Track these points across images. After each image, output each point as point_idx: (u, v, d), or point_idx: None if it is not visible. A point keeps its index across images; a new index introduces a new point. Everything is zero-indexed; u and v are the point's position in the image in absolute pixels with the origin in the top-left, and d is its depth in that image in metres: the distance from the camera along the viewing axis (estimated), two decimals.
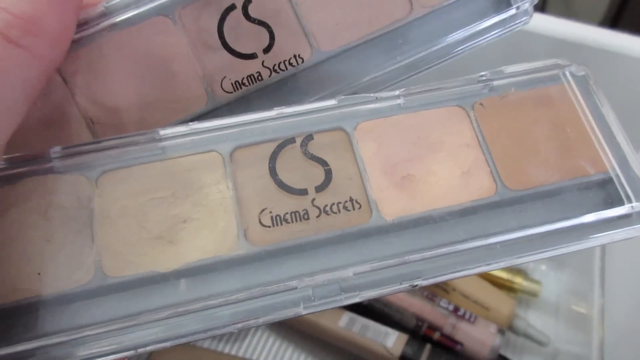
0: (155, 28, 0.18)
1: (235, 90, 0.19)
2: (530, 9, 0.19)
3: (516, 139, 0.18)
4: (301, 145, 0.17)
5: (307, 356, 0.42)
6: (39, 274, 0.16)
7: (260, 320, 0.15)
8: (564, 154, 0.18)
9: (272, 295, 0.16)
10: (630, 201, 0.17)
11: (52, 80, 0.18)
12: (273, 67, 0.19)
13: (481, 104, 0.19)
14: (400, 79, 0.19)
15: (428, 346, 0.39)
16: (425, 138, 0.18)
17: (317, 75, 0.19)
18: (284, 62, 0.19)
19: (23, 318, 0.15)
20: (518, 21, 0.19)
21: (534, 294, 0.43)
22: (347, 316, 0.40)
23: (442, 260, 0.16)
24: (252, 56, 0.19)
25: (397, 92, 0.18)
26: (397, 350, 0.38)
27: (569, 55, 0.36)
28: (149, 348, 0.15)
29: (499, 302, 0.41)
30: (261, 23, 0.19)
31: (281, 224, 0.16)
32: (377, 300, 0.40)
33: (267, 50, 0.19)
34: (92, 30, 0.18)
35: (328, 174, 0.17)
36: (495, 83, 0.19)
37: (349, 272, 0.16)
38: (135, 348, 0.15)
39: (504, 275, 0.44)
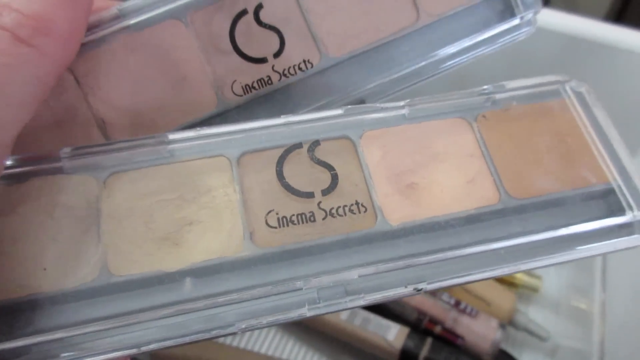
0: (168, 31, 0.19)
1: (245, 94, 0.19)
2: (534, 19, 0.20)
3: (518, 150, 0.19)
4: (308, 151, 0.18)
5: (308, 349, 0.42)
6: (44, 269, 0.16)
7: (264, 321, 0.15)
8: (566, 164, 0.18)
9: (277, 296, 0.16)
10: (632, 210, 0.17)
11: (64, 80, 0.18)
12: (283, 72, 0.19)
13: (484, 116, 0.19)
14: (407, 85, 0.20)
15: (429, 340, 0.38)
16: (429, 148, 0.19)
17: (324, 80, 0.20)
18: (293, 66, 0.19)
19: (27, 314, 0.15)
20: (522, 31, 0.20)
21: (534, 289, 0.43)
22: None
23: (446, 265, 0.16)
24: (262, 60, 0.19)
25: (402, 103, 0.19)
26: (399, 344, 0.38)
27: (573, 49, 0.37)
28: (151, 347, 0.15)
29: (500, 296, 0.41)
30: (272, 28, 0.19)
31: (287, 225, 0.17)
32: None
33: (277, 54, 0.19)
34: (105, 32, 0.18)
35: (334, 178, 0.17)
36: (497, 96, 0.19)
37: (354, 275, 0.16)
38: (138, 347, 0.15)
39: None
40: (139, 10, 0.18)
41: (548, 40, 0.37)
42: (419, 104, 0.19)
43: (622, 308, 0.36)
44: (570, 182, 0.18)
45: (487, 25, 0.20)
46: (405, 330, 0.39)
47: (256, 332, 0.42)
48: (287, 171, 0.17)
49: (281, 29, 0.19)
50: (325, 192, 0.17)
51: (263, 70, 0.19)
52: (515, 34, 0.20)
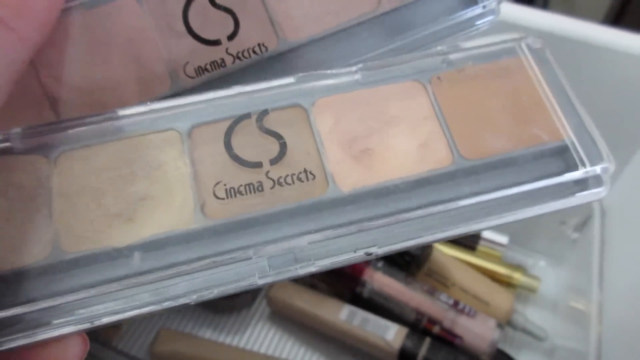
0: (122, 9, 0.18)
1: (198, 76, 0.19)
2: (497, 7, 0.19)
3: (473, 111, 0.18)
4: (257, 120, 0.18)
5: (307, 349, 0.42)
6: None
7: (215, 291, 0.16)
8: (519, 123, 0.18)
9: (227, 266, 0.16)
10: (584, 166, 0.17)
11: None
12: (237, 55, 0.19)
13: (438, 78, 0.19)
14: None
15: (427, 339, 0.39)
16: (383, 113, 0.19)
17: (281, 65, 0.19)
18: (247, 50, 0.19)
19: None
20: (485, 20, 0.20)
21: (532, 290, 0.43)
22: (347, 309, 0.40)
23: (397, 228, 0.16)
24: (216, 42, 0.19)
25: (354, 68, 0.19)
26: (397, 344, 0.38)
27: (571, 53, 0.37)
28: (104, 320, 0.15)
29: (498, 297, 0.41)
30: (227, 10, 0.19)
31: (235, 196, 0.17)
32: (377, 294, 0.40)
33: (231, 37, 0.19)
34: None
35: (283, 147, 0.17)
36: (452, 57, 0.19)
37: (303, 242, 0.16)
38: (90, 320, 0.15)
39: (503, 270, 0.44)
40: None
41: (546, 42, 0.37)
42: (372, 68, 0.19)
43: (620, 309, 0.37)
44: (523, 141, 0.18)
45: (449, 13, 0.19)
46: (403, 330, 0.39)
47: (256, 331, 0.43)
48: (235, 142, 0.17)
49: (236, 11, 0.19)
50: (274, 162, 0.17)
51: (216, 53, 0.19)
52: (478, 22, 0.19)
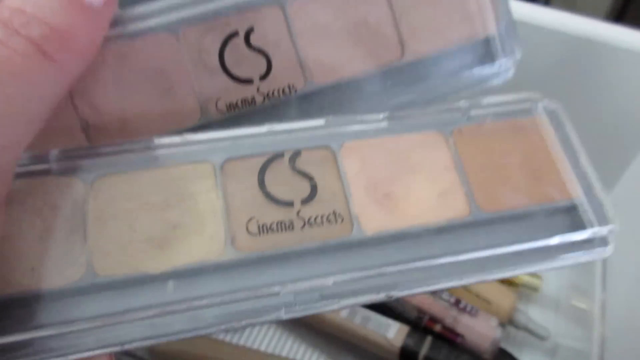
0: (160, 43, 0.19)
1: (228, 111, 0.20)
2: (512, 65, 0.21)
3: (491, 165, 0.20)
4: (289, 161, 0.18)
5: (307, 346, 0.42)
6: (32, 269, 0.16)
7: (243, 323, 0.16)
8: (533, 181, 0.19)
9: (255, 300, 0.16)
10: (592, 226, 0.18)
11: None
12: (267, 94, 0.20)
13: (460, 131, 0.20)
14: None
15: (429, 338, 0.38)
16: (406, 160, 0.20)
17: (306, 106, 0.20)
18: (277, 90, 0.20)
19: (15, 311, 0.16)
20: (500, 77, 0.21)
21: (535, 289, 0.43)
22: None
23: (417, 273, 0.17)
24: (248, 81, 0.20)
25: (381, 116, 0.20)
26: (398, 342, 0.38)
27: (573, 50, 0.37)
28: (134, 344, 0.16)
29: (500, 295, 0.41)
30: (260, 51, 0.20)
31: (267, 232, 0.17)
32: None
33: (263, 77, 0.20)
34: None
35: (314, 188, 0.18)
36: (473, 112, 0.20)
37: (329, 281, 0.17)
38: (121, 344, 0.16)
39: None
40: (134, 19, 0.19)
41: (548, 39, 0.37)
42: (398, 117, 0.20)
43: (623, 308, 0.36)
44: (536, 198, 0.19)
45: (466, 69, 0.20)
46: (405, 328, 0.39)
47: (256, 329, 0.42)
48: (268, 179, 0.18)
49: (269, 53, 0.20)
50: (305, 202, 0.18)
51: (248, 91, 0.20)
52: (493, 79, 0.21)
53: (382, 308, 0.40)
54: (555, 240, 0.18)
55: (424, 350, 0.38)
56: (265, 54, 0.20)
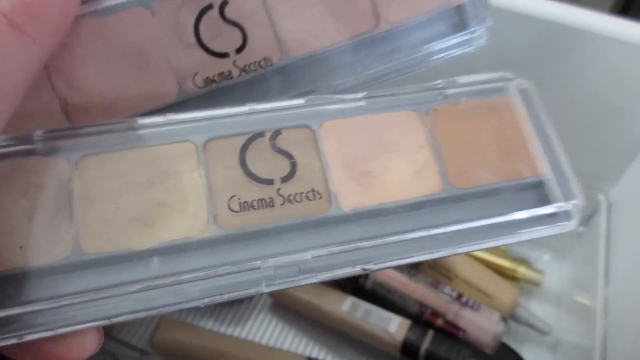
0: (134, 18, 0.19)
1: (205, 86, 0.20)
2: (485, 33, 0.21)
3: (464, 143, 0.20)
4: (270, 139, 0.19)
5: (309, 340, 0.42)
6: (20, 247, 0.17)
7: (226, 296, 0.17)
8: (504, 158, 0.20)
9: (237, 274, 0.17)
10: (557, 201, 0.19)
11: None
12: (243, 67, 0.20)
13: (435, 110, 0.21)
14: (360, 88, 0.21)
15: (430, 332, 0.39)
16: (383, 138, 0.20)
17: (283, 78, 0.21)
18: (254, 63, 0.20)
19: (4, 288, 0.16)
20: (473, 45, 0.22)
21: (536, 284, 0.43)
22: (350, 301, 0.40)
23: (391, 247, 0.18)
24: (224, 55, 0.20)
25: (359, 95, 0.20)
26: (400, 336, 0.38)
27: (577, 43, 0.37)
28: (121, 318, 0.16)
29: (502, 290, 0.41)
30: (236, 24, 0.20)
31: (248, 210, 0.18)
32: (380, 285, 0.40)
33: (239, 50, 0.20)
34: None
35: (293, 166, 0.19)
36: (449, 91, 0.21)
37: (307, 256, 0.17)
38: (109, 318, 0.16)
39: (507, 264, 0.44)
40: None
41: (553, 32, 0.37)
42: (376, 96, 0.20)
43: (625, 303, 0.36)
44: (507, 174, 0.20)
45: (441, 37, 0.21)
46: (406, 322, 0.39)
47: (257, 322, 0.43)
48: (249, 158, 0.19)
49: (244, 26, 0.20)
50: (285, 180, 0.19)
51: (224, 65, 0.20)
52: (466, 47, 0.21)
53: (384, 302, 0.40)
54: (522, 215, 0.19)
55: (425, 344, 0.38)
56: (241, 26, 0.20)
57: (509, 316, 0.41)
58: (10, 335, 0.16)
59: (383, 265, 0.18)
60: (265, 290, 0.17)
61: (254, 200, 0.18)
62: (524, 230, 0.19)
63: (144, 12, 0.19)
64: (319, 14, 0.20)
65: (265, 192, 0.18)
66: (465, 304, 0.40)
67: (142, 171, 0.19)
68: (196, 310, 0.44)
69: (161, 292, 0.17)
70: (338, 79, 0.21)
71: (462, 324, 0.39)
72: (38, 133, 0.18)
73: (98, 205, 0.18)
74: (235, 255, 0.18)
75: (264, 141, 0.19)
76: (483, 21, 0.21)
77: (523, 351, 0.41)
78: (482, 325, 0.39)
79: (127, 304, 0.17)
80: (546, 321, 0.42)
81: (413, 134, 0.20)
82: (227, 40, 0.20)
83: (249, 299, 0.45)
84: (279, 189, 0.18)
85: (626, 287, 0.37)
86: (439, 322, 0.39)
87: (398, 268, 0.41)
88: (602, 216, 0.40)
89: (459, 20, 0.21)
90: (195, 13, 0.20)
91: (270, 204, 0.18)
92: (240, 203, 0.18)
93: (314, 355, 0.42)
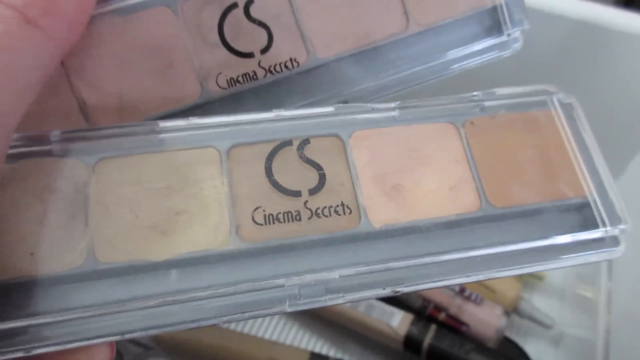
0: (157, 18, 0.19)
1: (229, 87, 0.19)
2: (521, 36, 0.20)
3: (502, 159, 0.19)
4: (297, 149, 0.18)
5: (312, 335, 0.42)
6: (31, 254, 0.16)
7: (247, 315, 0.16)
8: (546, 176, 0.19)
9: (260, 292, 0.16)
10: (604, 225, 0.18)
11: None
12: (269, 68, 0.19)
13: (472, 123, 0.20)
14: (391, 91, 0.20)
15: (433, 326, 0.39)
16: (417, 151, 0.19)
17: (310, 80, 0.20)
18: (279, 64, 0.19)
19: (14, 296, 0.15)
20: (508, 49, 0.20)
21: (539, 277, 0.43)
22: None
23: (424, 269, 0.17)
24: (249, 55, 0.19)
25: (392, 105, 0.19)
26: (403, 330, 0.38)
27: (583, 35, 0.36)
28: (135, 334, 0.15)
29: (505, 284, 0.41)
30: (261, 24, 0.19)
31: (273, 222, 0.17)
32: None
33: (264, 50, 0.19)
34: (93, 12, 0.18)
35: (322, 178, 0.18)
36: (487, 104, 0.20)
37: (335, 275, 0.16)
38: (122, 334, 0.15)
39: None
40: None
41: (557, 25, 0.36)
42: (410, 107, 0.19)
43: (628, 297, 0.36)
44: (549, 194, 0.19)
45: (474, 40, 0.20)
46: (409, 316, 0.39)
47: (260, 318, 0.41)
48: (275, 168, 0.18)
49: (270, 26, 0.19)
50: (313, 192, 0.17)
51: (249, 65, 0.19)
52: (501, 50, 0.20)
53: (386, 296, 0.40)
54: (566, 239, 0.18)
55: (428, 338, 0.38)
56: (266, 26, 0.19)
57: (512, 310, 0.41)
58: (17, 348, 0.15)
59: (415, 288, 0.17)
60: (289, 310, 0.16)
61: (279, 213, 0.17)
62: (568, 256, 0.18)
63: (166, 11, 0.19)
64: (347, 15, 0.19)
65: (292, 204, 0.17)
66: (468, 298, 0.39)
67: (162, 177, 0.18)
68: None
69: (178, 308, 0.16)
70: (367, 82, 0.20)
71: (464, 318, 0.39)
72: (55, 133, 0.17)
73: (114, 211, 0.17)
74: (258, 271, 0.16)
75: (292, 150, 0.18)
76: (520, 23, 0.20)
77: (526, 345, 0.41)
78: (485, 319, 0.39)
79: (141, 319, 0.16)
80: (549, 315, 0.41)
81: (448, 147, 0.19)
82: (251, 40, 0.19)
83: None
84: (306, 202, 0.17)
85: (629, 281, 0.37)
86: (442, 316, 0.39)
87: None
88: None
89: (493, 23, 0.20)
90: (220, 12, 0.19)
91: (297, 217, 0.17)
92: (265, 215, 0.17)
93: (317, 349, 0.41)
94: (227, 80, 0.19)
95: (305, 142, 0.18)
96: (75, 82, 0.18)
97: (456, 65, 0.20)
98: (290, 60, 0.19)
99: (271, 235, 0.17)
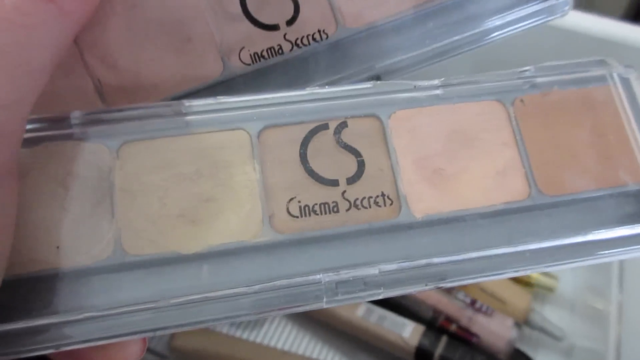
0: None
1: (253, 63, 0.18)
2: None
3: (555, 142, 0.18)
4: (334, 133, 0.17)
5: (323, 345, 0.42)
6: (57, 247, 0.15)
7: (282, 312, 0.15)
8: (602, 161, 0.17)
9: (296, 287, 0.15)
10: None
11: None
12: (295, 41, 0.18)
13: (522, 101, 0.18)
14: (428, 64, 0.18)
15: (444, 338, 0.39)
16: (461, 132, 0.18)
17: (339, 54, 0.18)
18: (307, 36, 0.18)
19: (40, 291, 0.15)
20: (558, 12, 0.18)
21: (550, 289, 0.43)
22: (364, 306, 0.40)
23: (469, 263, 0.16)
24: (274, 27, 0.18)
25: (436, 82, 0.18)
26: (414, 341, 0.39)
27: (589, 49, 0.35)
28: (167, 331, 0.15)
29: (516, 296, 0.41)
30: None
31: (309, 215, 0.16)
32: None
33: (290, 22, 0.18)
34: None
35: (360, 165, 0.16)
36: (539, 80, 0.18)
37: (374, 270, 0.15)
38: (154, 330, 0.15)
39: None
40: None
41: (564, 39, 0.36)
42: (454, 84, 0.18)
43: (639, 309, 0.36)
44: (605, 181, 0.17)
45: (520, 3, 0.18)
46: (420, 328, 0.39)
47: (272, 327, 0.42)
48: (310, 154, 0.16)
49: None
50: (351, 181, 0.16)
51: (274, 38, 0.18)
52: (549, 15, 0.18)
53: (398, 307, 0.40)
54: (623, 232, 0.16)
55: (439, 349, 0.38)
56: None
57: (523, 322, 0.41)
58: (46, 345, 0.14)
59: (458, 283, 0.16)
60: (326, 306, 0.15)
61: (315, 204, 0.16)
62: (627, 248, 0.16)
63: None
64: None
65: (329, 194, 0.16)
66: (479, 310, 0.40)
67: (190, 162, 0.16)
68: None
69: (211, 305, 0.15)
70: (401, 54, 0.18)
71: (475, 329, 0.39)
72: (76, 115, 0.16)
73: (141, 199, 0.16)
74: (293, 265, 0.16)
75: (328, 134, 0.17)
76: None
77: (537, 357, 0.41)
78: (495, 331, 0.39)
79: (172, 315, 0.15)
80: (560, 327, 0.41)
81: (495, 128, 0.18)
82: (276, 10, 0.18)
83: None
84: (344, 192, 0.16)
85: None
86: (453, 327, 0.39)
87: None
88: None
89: None
90: None
91: (335, 209, 0.16)
92: (300, 207, 0.16)
93: None
94: (250, 55, 0.18)
95: (343, 125, 0.17)
96: (89, 60, 0.17)
97: (499, 32, 0.18)
98: (319, 31, 0.18)
99: (307, 226, 0.16)
